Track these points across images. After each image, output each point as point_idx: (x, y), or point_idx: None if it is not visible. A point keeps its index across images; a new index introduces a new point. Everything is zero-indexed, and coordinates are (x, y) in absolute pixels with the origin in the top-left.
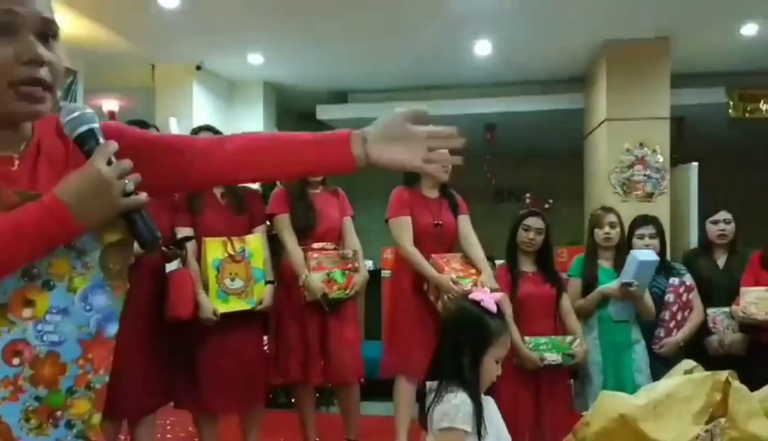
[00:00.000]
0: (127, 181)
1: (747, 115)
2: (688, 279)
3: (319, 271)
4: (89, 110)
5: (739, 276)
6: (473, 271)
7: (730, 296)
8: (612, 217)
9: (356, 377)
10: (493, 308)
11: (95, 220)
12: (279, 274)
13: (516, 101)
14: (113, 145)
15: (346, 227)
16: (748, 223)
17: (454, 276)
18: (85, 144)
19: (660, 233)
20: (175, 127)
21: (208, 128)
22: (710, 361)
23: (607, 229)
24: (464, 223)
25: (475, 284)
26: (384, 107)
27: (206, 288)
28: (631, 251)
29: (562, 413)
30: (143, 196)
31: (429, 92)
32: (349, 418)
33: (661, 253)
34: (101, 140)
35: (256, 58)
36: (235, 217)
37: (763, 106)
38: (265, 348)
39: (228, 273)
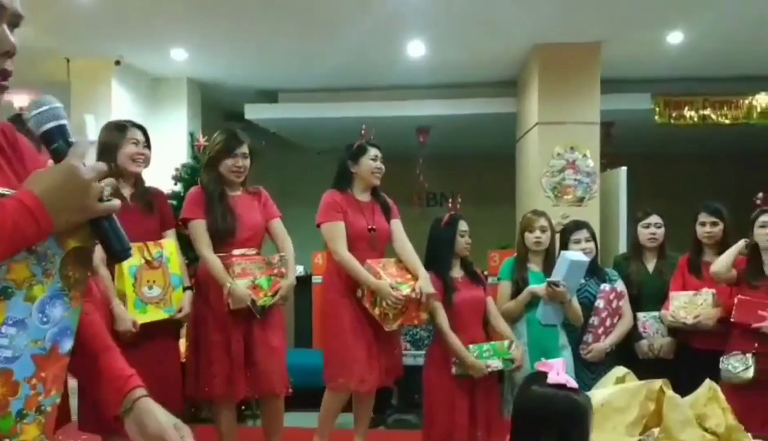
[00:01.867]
0: (104, 184)
1: (672, 121)
2: (620, 285)
3: (243, 278)
4: (58, 104)
5: (669, 280)
6: (409, 276)
7: (660, 300)
8: (543, 222)
9: (283, 388)
10: (574, 383)
11: (66, 222)
12: (195, 282)
13: (449, 104)
14: (87, 145)
15: (277, 230)
16: (674, 228)
17: (392, 282)
18: (54, 141)
19: (594, 237)
20: (92, 124)
21: (133, 125)
22: (640, 364)
23: (538, 233)
24: (397, 227)
25: (413, 290)
26: (315, 107)
27: (122, 298)
28: (563, 252)
29: (496, 419)
30: (117, 202)
31: (361, 93)
32: (274, 432)
33: (594, 257)
34: (71, 138)
35: (179, 54)
36: (146, 220)
37: (687, 113)
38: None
39: (145, 281)
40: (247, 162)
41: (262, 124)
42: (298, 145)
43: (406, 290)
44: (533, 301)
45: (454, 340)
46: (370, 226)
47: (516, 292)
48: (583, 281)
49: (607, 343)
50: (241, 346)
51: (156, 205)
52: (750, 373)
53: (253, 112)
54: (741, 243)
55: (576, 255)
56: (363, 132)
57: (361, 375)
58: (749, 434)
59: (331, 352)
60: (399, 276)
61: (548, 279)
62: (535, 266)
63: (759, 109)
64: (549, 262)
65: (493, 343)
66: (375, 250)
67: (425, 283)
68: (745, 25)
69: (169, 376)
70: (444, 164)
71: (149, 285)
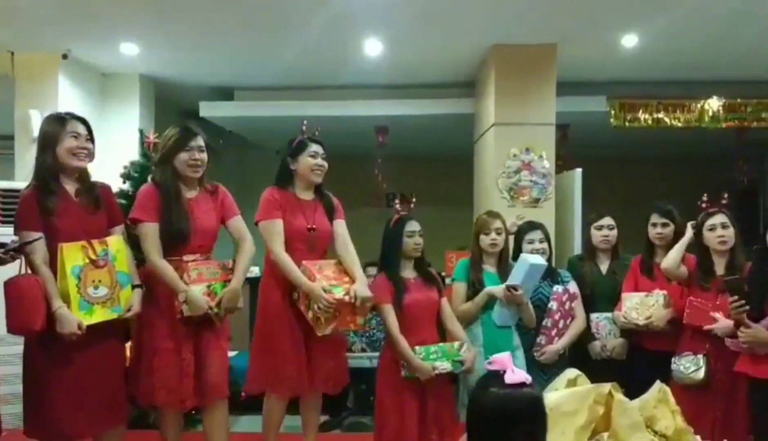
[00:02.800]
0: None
1: (627, 123)
2: (572, 287)
3: (199, 284)
4: None
5: (622, 281)
6: (347, 279)
7: (613, 301)
8: (498, 223)
9: (228, 392)
10: (529, 377)
11: None
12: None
13: (407, 104)
14: None
15: (235, 228)
16: (629, 230)
17: (325, 284)
18: None
19: (548, 238)
20: (37, 120)
21: (74, 117)
22: (593, 365)
23: (493, 235)
24: (340, 228)
25: (347, 293)
26: (272, 105)
27: (66, 299)
28: (522, 254)
29: (448, 423)
30: None
31: (319, 92)
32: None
33: (547, 258)
34: None
35: (129, 49)
36: (92, 217)
37: (641, 116)
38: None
39: (90, 280)
40: (204, 156)
41: (218, 122)
42: (255, 144)
43: (339, 293)
44: (489, 303)
45: (400, 341)
46: (309, 226)
47: (471, 294)
48: (536, 283)
49: (559, 344)
50: (191, 355)
51: (103, 201)
52: (701, 374)
53: (209, 110)
54: (687, 236)
55: (535, 258)
56: (303, 128)
57: (289, 382)
58: (698, 437)
59: (261, 356)
60: (335, 279)
61: (507, 283)
62: (489, 267)
63: (710, 113)
64: (503, 263)
65: (442, 345)
66: (314, 250)
67: (361, 286)
68: (697, 30)
69: (115, 379)
70: (403, 164)
71: (95, 285)
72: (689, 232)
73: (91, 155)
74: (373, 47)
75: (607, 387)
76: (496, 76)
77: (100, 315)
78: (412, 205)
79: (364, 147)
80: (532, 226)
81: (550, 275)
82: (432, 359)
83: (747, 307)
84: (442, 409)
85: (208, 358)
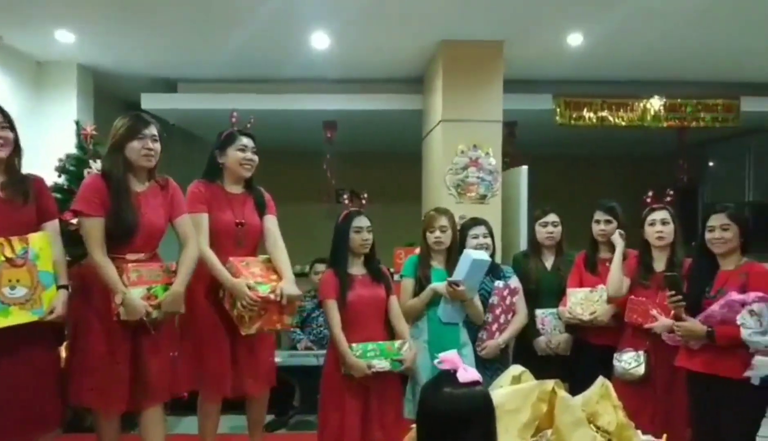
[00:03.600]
0: None
1: (572, 121)
2: (513, 282)
3: (138, 286)
4: None
5: (566, 276)
6: (274, 277)
7: (557, 297)
8: (443, 221)
9: (167, 396)
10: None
11: None
12: (78, 282)
13: (356, 99)
14: None
15: (182, 228)
16: (574, 226)
17: (251, 281)
18: None
19: (491, 234)
20: None
21: None
22: (538, 361)
23: (438, 233)
24: (270, 223)
25: (273, 291)
26: (217, 98)
27: None
28: (465, 250)
29: (392, 423)
30: None
31: (265, 85)
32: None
33: (492, 254)
34: None
35: (65, 36)
36: (19, 211)
37: (586, 114)
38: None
39: (6, 280)
40: (158, 146)
41: (160, 115)
42: (200, 138)
43: (265, 291)
44: (435, 299)
45: (338, 338)
46: (238, 221)
47: (419, 290)
48: None
49: (500, 339)
50: (127, 360)
51: (33, 194)
52: (641, 370)
53: (151, 102)
54: (619, 250)
55: (478, 254)
56: (234, 119)
57: (213, 383)
58: (639, 431)
59: (187, 356)
60: (262, 276)
61: (449, 278)
62: (437, 264)
63: (652, 113)
64: (452, 259)
65: (381, 342)
66: (242, 246)
67: (288, 285)
68: (640, 31)
69: (46, 383)
70: (353, 160)
71: (11, 285)
72: (620, 247)
73: (8, 144)
74: (320, 40)
75: (550, 384)
76: (444, 73)
77: (18, 317)
78: (363, 202)
79: (313, 142)
80: (476, 221)
81: (492, 271)
82: (369, 357)
83: (684, 303)
84: (386, 408)
85: (147, 362)
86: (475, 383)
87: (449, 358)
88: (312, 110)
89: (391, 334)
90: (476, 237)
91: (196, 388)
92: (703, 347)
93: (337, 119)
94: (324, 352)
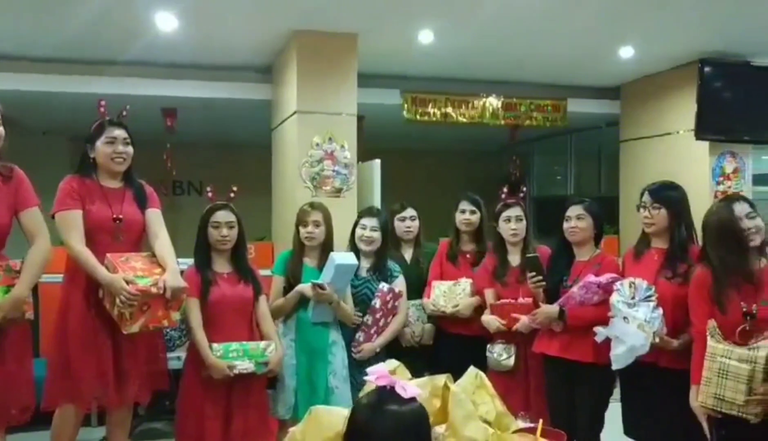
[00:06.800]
0: None
1: (419, 117)
2: (399, 284)
3: None
4: None
5: (426, 268)
6: (158, 270)
7: (419, 288)
8: (316, 216)
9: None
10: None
11: None
12: None
13: (200, 86)
14: None
15: (28, 223)
16: (425, 218)
17: (130, 275)
18: None
19: (383, 228)
20: None
21: None
22: (404, 352)
23: (310, 227)
24: (153, 217)
25: (155, 284)
26: (42, 80)
27: None
28: (331, 254)
29: (255, 426)
30: None
31: (102, 67)
32: None
33: (379, 248)
34: None
35: None
36: None
37: (431, 110)
38: None
39: None
40: (1, 129)
41: None
42: (18, 123)
43: (147, 284)
44: (305, 299)
45: (198, 336)
46: (115, 216)
47: (287, 288)
48: (365, 276)
49: (376, 343)
50: None
51: None
52: (511, 362)
53: None
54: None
55: (342, 257)
56: (102, 109)
57: (92, 393)
58: (516, 419)
59: (60, 365)
60: (144, 270)
61: (313, 281)
62: (310, 261)
63: (491, 111)
64: (325, 257)
65: (245, 343)
66: (121, 242)
67: (172, 276)
68: (483, 32)
69: None
70: (195, 151)
71: None
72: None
73: None
74: (166, 22)
75: (442, 379)
76: (299, 63)
77: None
78: (231, 195)
79: (150, 131)
80: (371, 211)
81: (379, 270)
82: (231, 358)
83: (544, 283)
84: (249, 411)
85: None
86: (415, 399)
87: (382, 374)
88: (152, 96)
89: (261, 335)
90: (364, 228)
91: (68, 400)
92: (558, 333)
93: (179, 106)
94: (171, 355)
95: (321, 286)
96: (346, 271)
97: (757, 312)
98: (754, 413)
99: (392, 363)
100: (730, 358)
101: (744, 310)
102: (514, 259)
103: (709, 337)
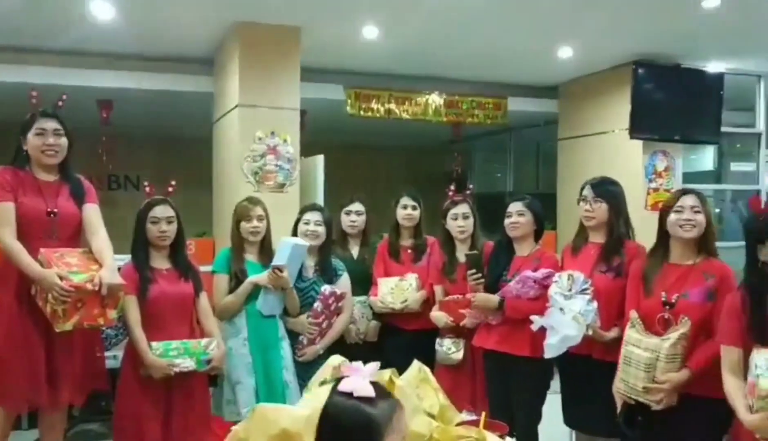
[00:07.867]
0: None
1: (362, 113)
2: (343, 284)
3: None
4: None
5: (372, 265)
6: (95, 266)
7: (364, 285)
8: (259, 210)
9: None
10: (371, 392)
11: None
12: None
13: (138, 77)
14: None
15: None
16: (368, 214)
17: (63, 271)
18: None
19: (327, 223)
20: None
21: None
22: (349, 349)
23: (255, 222)
24: (91, 213)
25: (91, 281)
26: None
27: None
28: (284, 237)
29: (197, 425)
30: None
31: (29, 56)
32: None
33: (322, 245)
34: None
35: None
36: None
37: (375, 106)
38: None
39: None
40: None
41: None
42: None
43: (81, 280)
44: (252, 293)
45: (136, 335)
46: (49, 210)
47: (234, 285)
48: (311, 277)
49: (320, 346)
50: None
51: None
52: (459, 356)
53: None
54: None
55: (296, 239)
56: (34, 100)
57: (22, 394)
58: (463, 413)
59: None
60: (79, 266)
61: (273, 264)
62: (251, 256)
63: (433, 107)
64: (266, 251)
65: (185, 341)
66: (55, 237)
67: (108, 273)
68: (428, 29)
69: None
70: (132, 144)
71: None
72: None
73: None
74: (102, 9)
75: (387, 373)
76: (241, 56)
77: None
78: (170, 189)
79: (85, 123)
80: (314, 207)
81: (324, 270)
82: (171, 356)
83: (483, 280)
84: (190, 411)
85: None
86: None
87: (353, 370)
88: (86, 87)
89: (202, 333)
90: (307, 223)
91: None
92: (496, 327)
93: (115, 98)
94: (106, 354)
95: (280, 269)
96: (300, 254)
97: (677, 303)
98: (655, 400)
99: (336, 358)
100: (637, 346)
101: (663, 299)
102: (462, 255)
103: (628, 326)
